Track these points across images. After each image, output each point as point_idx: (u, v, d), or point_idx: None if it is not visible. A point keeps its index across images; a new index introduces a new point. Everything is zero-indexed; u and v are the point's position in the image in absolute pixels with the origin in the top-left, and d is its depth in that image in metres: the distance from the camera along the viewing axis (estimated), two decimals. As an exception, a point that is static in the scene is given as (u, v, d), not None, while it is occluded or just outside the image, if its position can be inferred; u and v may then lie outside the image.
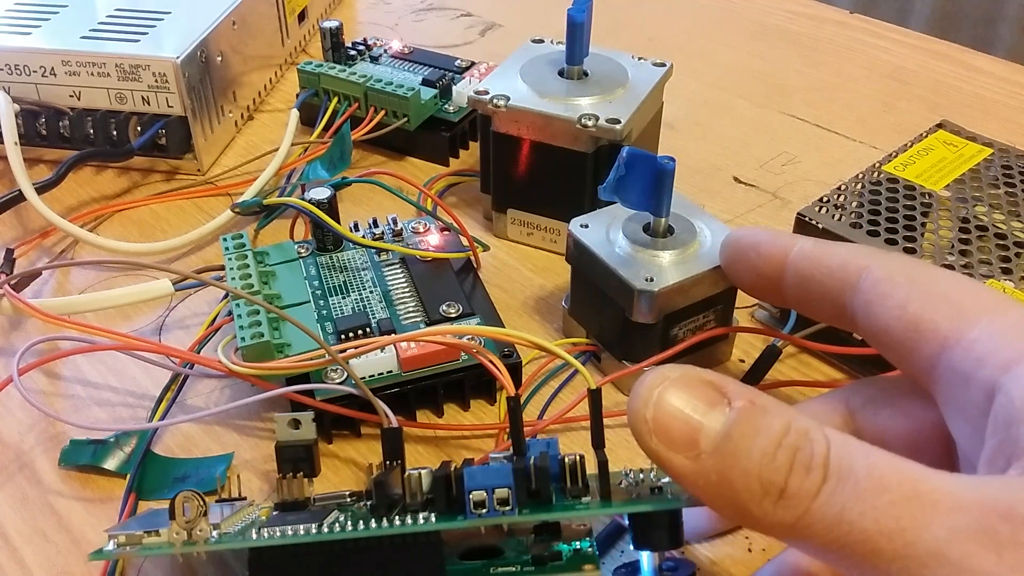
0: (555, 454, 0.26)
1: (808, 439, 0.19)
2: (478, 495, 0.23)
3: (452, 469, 0.24)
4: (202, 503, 0.23)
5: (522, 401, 0.34)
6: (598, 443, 0.25)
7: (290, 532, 0.23)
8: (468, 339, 0.33)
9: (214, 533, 0.24)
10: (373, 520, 0.23)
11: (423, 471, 0.24)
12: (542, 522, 0.26)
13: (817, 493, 0.18)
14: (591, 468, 0.24)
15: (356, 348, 0.31)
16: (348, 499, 0.26)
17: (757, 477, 0.19)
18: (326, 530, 0.23)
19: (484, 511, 0.23)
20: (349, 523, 0.23)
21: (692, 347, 0.34)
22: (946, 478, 0.18)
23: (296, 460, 0.27)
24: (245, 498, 0.28)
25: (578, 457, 0.24)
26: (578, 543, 0.25)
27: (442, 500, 0.24)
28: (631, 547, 0.24)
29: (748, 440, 0.19)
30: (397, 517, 0.24)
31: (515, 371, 0.34)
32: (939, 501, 0.18)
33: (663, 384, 0.21)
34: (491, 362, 0.30)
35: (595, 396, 0.26)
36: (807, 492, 0.18)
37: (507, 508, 0.23)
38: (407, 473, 0.24)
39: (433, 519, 0.23)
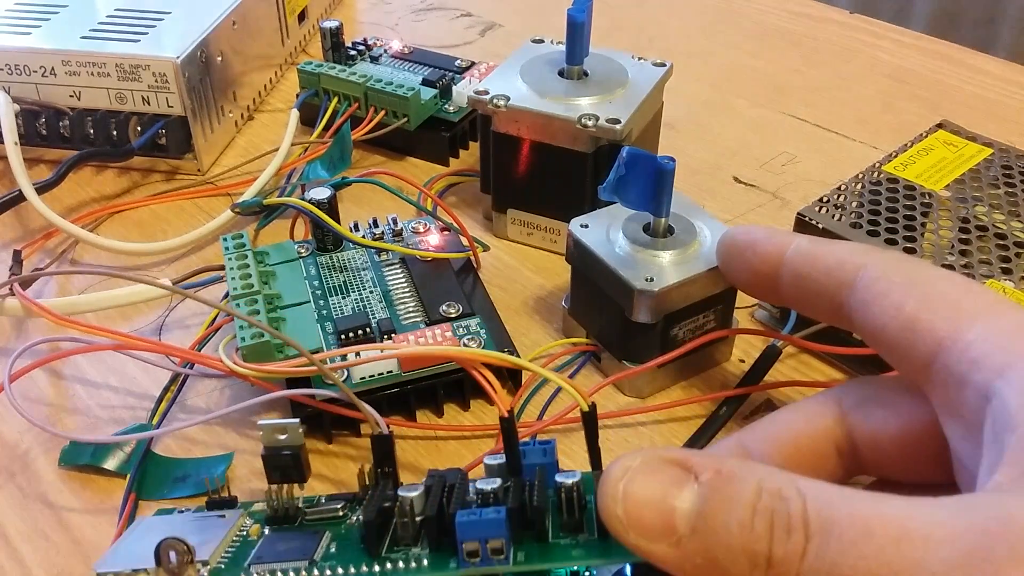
0: (552, 461, 0.25)
1: (782, 498, 0.18)
2: (471, 545, 0.22)
3: (443, 497, 0.24)
4: (187, 549, 0.23)
5: (522, 401, 0.34)
6: (596, 464, 0.25)
7: (279, 574, 0.23)
8: (467, 342, 0.33)
9: (203, 572, 0.23)
10: (364, 564, 0.23)
11: (415, 495, 0.24)
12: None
13: (803, 554, 0.18)
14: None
15: (358, 355, 0.31)
16: (340, 513, 0.26)
17: (741, 551, 0.18)
18: (316, 573, 0.23)
19: (477, 560, 0.22)
20: (340, 568, 0.23)
21: (692, 348, 0.34)
22: (933, 507, 0.18)
23: (284, 468, 0.27)
24: (236, 498, 0.28)
25: (575, 486, 0.23)
26: (575, 565, 0.25)
27: (434, 537, 0.23)
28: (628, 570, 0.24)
29: (723, 514, 0.19)
30: (388, 561, 0.23)
31: (514, 374, 0.34)
32: (929, 535, 0.17)
33: (627, 475, 0.20)
34: (484, 377, 0.30)
35: (589, 416, 0.25)
36: (793, 555, 0.18)
37: (501, 557, 0.22)
38: (399, 500, 0.24)
39: (425, 563, 0.23)
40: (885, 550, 0.17)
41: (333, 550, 0.24)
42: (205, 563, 0.24)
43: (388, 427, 0.27)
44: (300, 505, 0.26)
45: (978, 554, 0.17)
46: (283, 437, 0.27)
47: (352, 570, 0.23)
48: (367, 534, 0.24)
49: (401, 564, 0.23)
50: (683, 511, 0.19)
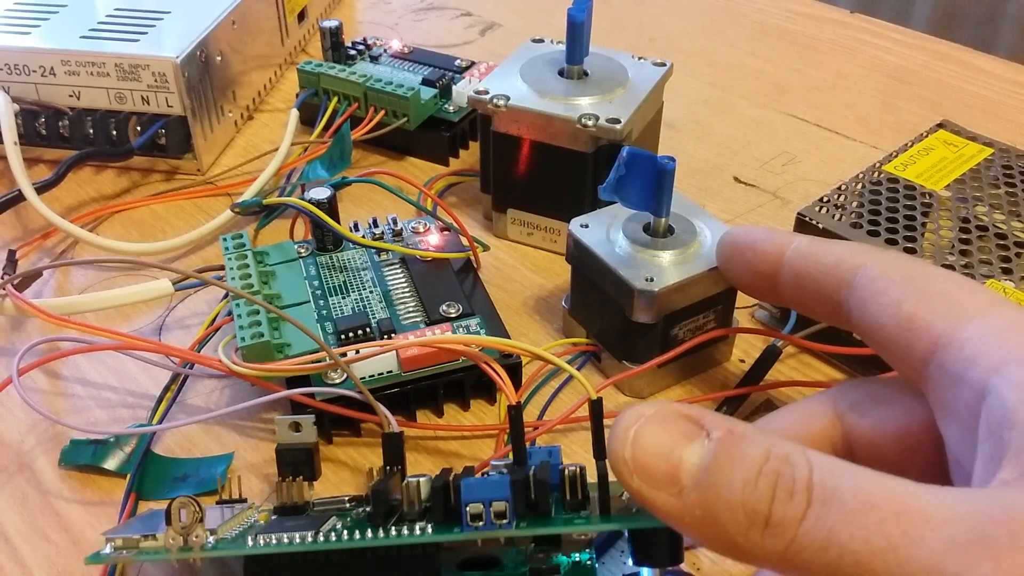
0: (556, 463, 0.25)
1: (789, 464, 0.19)
2: (475, 508, 0.22)
3: (451, 478, 0.24)
4: (198, 509, 0.23)
5: (523, 400, 0.34)
6: (599, 454, 0.25)
7: (286, 540, 0.23)
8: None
9: (210, 539, 0.24)
10: (369, 530, 0.23)
11: (422, 479, 0.24)
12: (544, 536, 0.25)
13: (803, 518, 0.18)
14: (592, 477, 0.24)
15: (357, 352, 0.31)
16: (347, 504, 0.26)
17: (741, 507, 0.18)
18: (322, 539, 0.23)
19: (481, 524, 0.23)
20: (345, 532, 0.23)
21: (692, 347, 0.34)
22: (937, 492, 0.18)
23: (296, 463, 0.27)
24: (245, 499, 0.28)
25: (579, 469, 0.24)
26: (577, 555, 0.25)
27: (440, 510, 0.23)
28: (630, 561, 0.24)
29: (728, 471, 0.19)
30: (393, 528, 0.23)
31: (515, 371, 0.34)
32: (931, 515, 0.17)
33: (639, 422, 0.20)
34: (492, 368, 0.30)
35: (596, 406, 0.25)
36: (792, 518, 0.18)
37: (504, 521, 0.22)
38: (406, 481, 0.24)
39: (429, 530, 0.23)
40: (885, 523, 0.17)
41: (339, 527, 0.24)
42: (213, 532, 0.24)
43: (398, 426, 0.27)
44: (308, 499, 0.27)
45: (978, 539, 0.17)
46: (298, 433, 0.27)
47: (357, 535, 0.23)
48: (374, 503, 0.24)
49: (406, 531, 0.23)
50: (690, 463, 0.19)
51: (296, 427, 0.27)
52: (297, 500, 0.26)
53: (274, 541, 0.23)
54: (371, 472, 0.27)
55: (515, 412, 0.26)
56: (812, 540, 0.18)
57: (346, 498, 0.26)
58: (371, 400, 0.28)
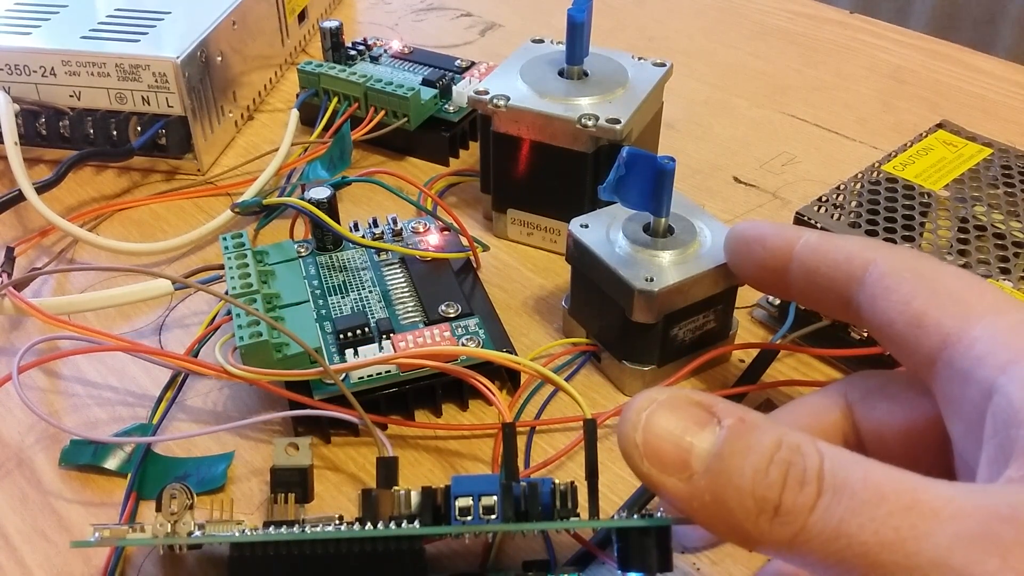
0: (548, 488, 0.25)
1: (800, 453, 0.19)
2: (464, 502, 0.22)
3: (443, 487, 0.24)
4: (189, 496, 0.23)
5: (522, 401, 0.34)
6: (591, 473, 0.25)
7: (272, 531, 0.23)
8: (465, 342, 0.33)
9: (197, 531, 0.24)
10: (356, 524, 0.23)
11: (413, 491, 0.24)
12: (532, 560, 0.26)
13: (813, 508, 0.18)
14: (583, 498, 0.24)
15: (356, 356, 0.31)
16: (338, 521, 0.26)
17: (751, 495, 0.19)
18: (308, 530, 0.23)
19: (469, 518, 0.23)
20: (331, 526, 0.23)
21: (692, 347, 0.34)
22: (945, 486, 0.18)
23: (290, 484, 0.27)
24: (242, 522, 0.28)
25: (570, 483, 0.23)
26: None
27: (428, 514, 0.23)
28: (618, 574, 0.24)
29: (740, 458, 0.19)
30: (380, 522, 0.23)
31: (514, 374, 0.34)
32: (940, 509, 0.17)
33: (651, 407, 0.20)
34: (483, 383, 0.30)
35: (590, 427, 0.25)
36: (802, 507, 0.18)
37: (492, 517, 0.22)
38: (396, 491, 0.24)
39: (417, 524, 0.23)
40: (894, 516, 0.17)
41: (330, 529, 0.24)
42: (202, 526, 0.24)
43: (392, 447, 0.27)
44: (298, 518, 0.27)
45: (986, 535, 0.17)
46: (293, 455, 0.27)
47: (344, 528, 0.23)
48: (363, 500, 0.24)
49: (393, 525, 0.23)
50: (700, 450, 0.19)
51: (293, 448, 0.27)
52: (288, 519, 0.26)
53: (260, 531, 0.23)
54: (366, 492, 0.27)
55: (508, 430, 0.25)
56: (821, 530, 0.18)
57: (336, 516, 0.26)
58: (369, 425, 0.29)
